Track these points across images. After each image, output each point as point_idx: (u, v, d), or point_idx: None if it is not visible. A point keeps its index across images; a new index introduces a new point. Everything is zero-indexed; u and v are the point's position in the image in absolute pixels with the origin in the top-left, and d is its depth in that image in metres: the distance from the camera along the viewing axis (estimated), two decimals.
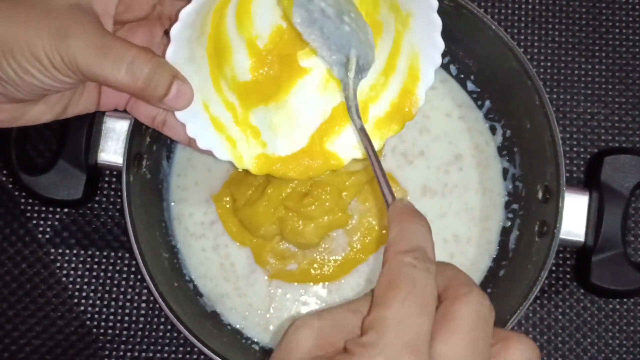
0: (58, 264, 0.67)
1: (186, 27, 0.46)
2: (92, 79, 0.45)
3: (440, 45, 0.50)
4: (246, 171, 0.64)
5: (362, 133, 0.47)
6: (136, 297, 0.67)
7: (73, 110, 0.50)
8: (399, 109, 0.53)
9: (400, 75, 0.53)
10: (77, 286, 0.67)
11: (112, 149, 0.62)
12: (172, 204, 0.66)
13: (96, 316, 0.66)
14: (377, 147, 0.54)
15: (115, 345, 0.66)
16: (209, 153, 0.52)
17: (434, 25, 0.49)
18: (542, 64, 0.71)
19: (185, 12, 0.44)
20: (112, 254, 0.67)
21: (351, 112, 0.49)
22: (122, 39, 0.45)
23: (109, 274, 0.67)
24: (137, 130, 0.60)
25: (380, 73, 0.53)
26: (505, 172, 0.67)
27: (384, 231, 0.65)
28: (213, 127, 0.52)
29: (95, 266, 0.67)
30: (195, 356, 0.66)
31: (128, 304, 0.67)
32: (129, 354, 0.66)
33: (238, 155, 0.53)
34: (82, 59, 0.43)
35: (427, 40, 0.50)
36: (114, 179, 0.68)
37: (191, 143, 0.52)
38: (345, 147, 0.55)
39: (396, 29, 0.52)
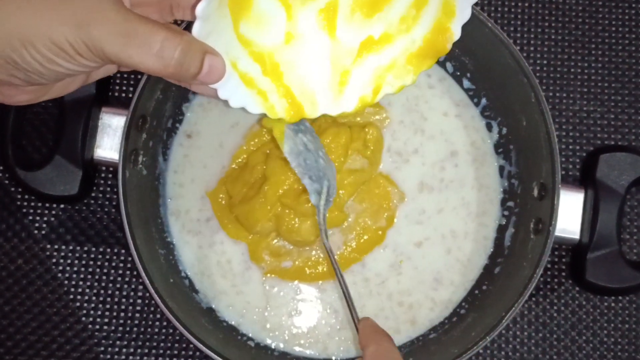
0: (54, 260, 0.67)
1: (209, 3, 0.45)
2: (121, 65, 0.43)
3: None
4: (242, 167, 0.65)
5: (331, 254, 0.57)
6: (132, 293, 0.67)
7: (96, 76, 0.49)
8: (432, 45, 0.53)
9: (433, 8, 0.52)
10: (73, 282, 0.67)
11: (108, 145, 0.62)
12: (169, 200, 0.66)
13: (92, 312, 0.66)
14: (409, 82, 0.54)
15: (111, 341, 0.66)
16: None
17: None
18: (538, 61, 0.71)
19: None
20: (108, 250, 0.67)
21: (322, 235, 0.59)
22: (145, 19, 0.42)
23: (105, 270, 0.67)
24: (134, 127, 0.60)
25: (410, 5, 0.52)
26: (501, 169, 0.67)
27: (379, 232, 0.65)
28: (243, 84, 0.51)
29: (91, 262, 0.67)
30: (190, 352, 0.66)
31: (124, 300, 0.67)
32: (124, 349, 0.66)
33: (270, 106, 0.52)
34: (108, 48, 0.41)
35: None
36: (110, 175, 0.68)
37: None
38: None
39: None
